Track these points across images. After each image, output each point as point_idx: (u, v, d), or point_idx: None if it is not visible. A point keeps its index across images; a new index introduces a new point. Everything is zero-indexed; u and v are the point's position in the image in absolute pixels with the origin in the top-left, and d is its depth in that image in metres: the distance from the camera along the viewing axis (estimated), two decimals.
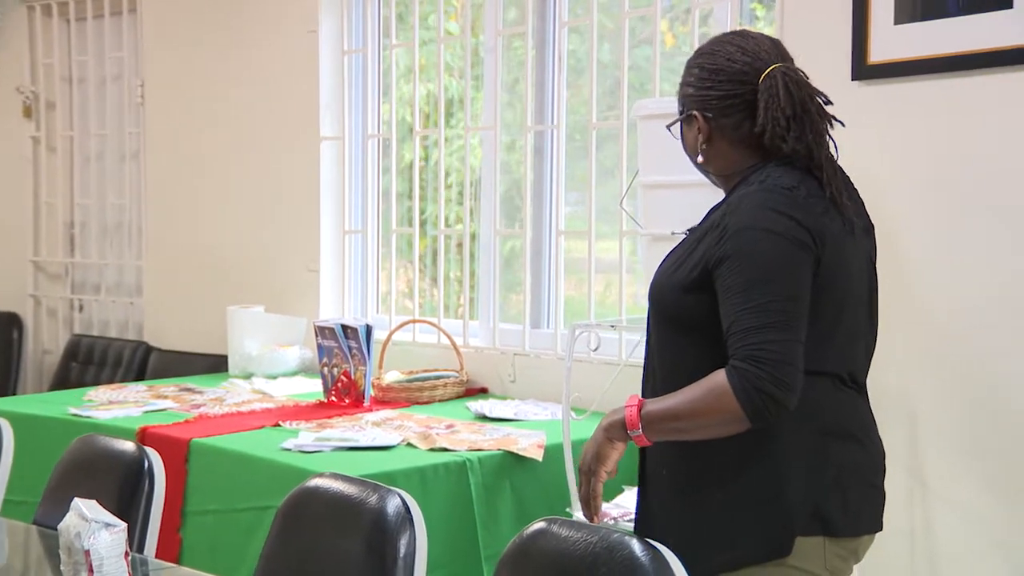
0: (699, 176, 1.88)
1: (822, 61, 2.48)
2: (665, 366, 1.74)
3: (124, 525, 1.69)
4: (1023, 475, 2.49)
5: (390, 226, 4.04)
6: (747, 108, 1.75)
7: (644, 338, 1.85)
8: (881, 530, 1.75)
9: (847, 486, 1.68)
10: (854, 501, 1.68)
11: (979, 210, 2.54)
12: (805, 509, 1.63)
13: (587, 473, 1.72)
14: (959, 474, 2.58)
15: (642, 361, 1.84)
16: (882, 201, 2.67)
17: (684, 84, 1.82)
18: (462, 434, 2.90)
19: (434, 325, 3.69)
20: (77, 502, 1.69)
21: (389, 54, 4.01)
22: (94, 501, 1.72)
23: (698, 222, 1.81)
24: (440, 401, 3.40)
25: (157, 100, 4.71)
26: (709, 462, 1.66)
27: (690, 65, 1.82)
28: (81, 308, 5.12)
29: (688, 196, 2.24)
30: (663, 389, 1.70)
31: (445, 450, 2.72)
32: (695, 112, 1.79)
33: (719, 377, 1.59)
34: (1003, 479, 2.52)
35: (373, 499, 1.74)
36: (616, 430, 1.69)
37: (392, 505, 1.70)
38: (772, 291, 1.60)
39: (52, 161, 5.15)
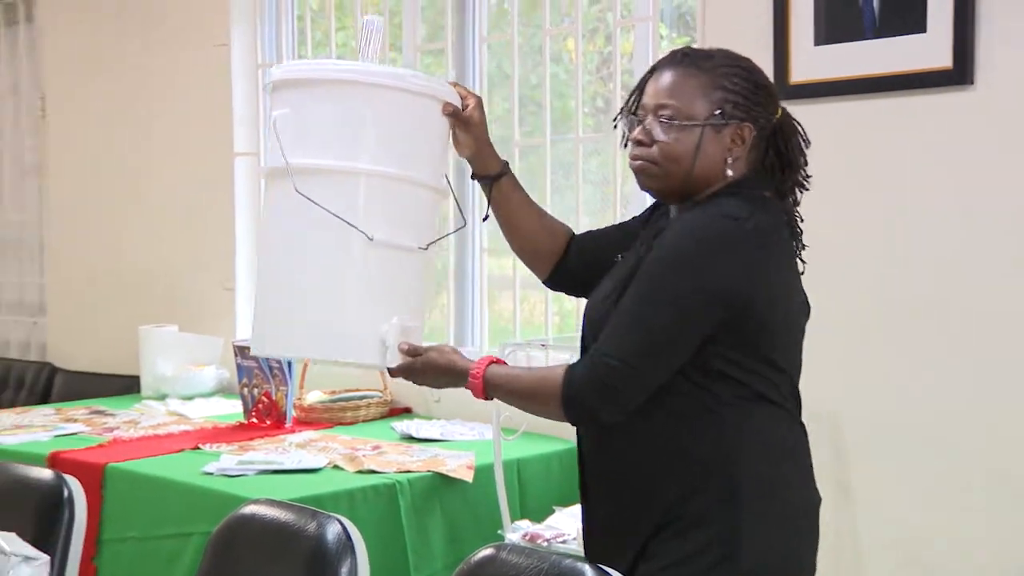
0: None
1: None
2: None
3: (46, 558, 1.66)
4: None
5: None
6: (771, 134, 1.72)
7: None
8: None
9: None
10: None
11: (895, 226, 2.62)
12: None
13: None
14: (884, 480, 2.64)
15: None
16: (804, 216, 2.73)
17: (726, 90, 1.67)
18: (390, 455, 2.86)
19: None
20: None
21: None
22: (13, 534, 1.66)
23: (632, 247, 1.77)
24: (364, 421, 3.35)
25: (59, 114, 4.57)
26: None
27: (730, 74, 1.68)
28: None
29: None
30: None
31: (373, 472, 2.68)
32: (747, 122, 1.67)
33: (553, 373, 1.64)
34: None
35: (311, 526, 1.69)
36: (454, 378, 1.74)
37: (332, 532, 1.66)
38: (649, 319, 1.59)
39: None
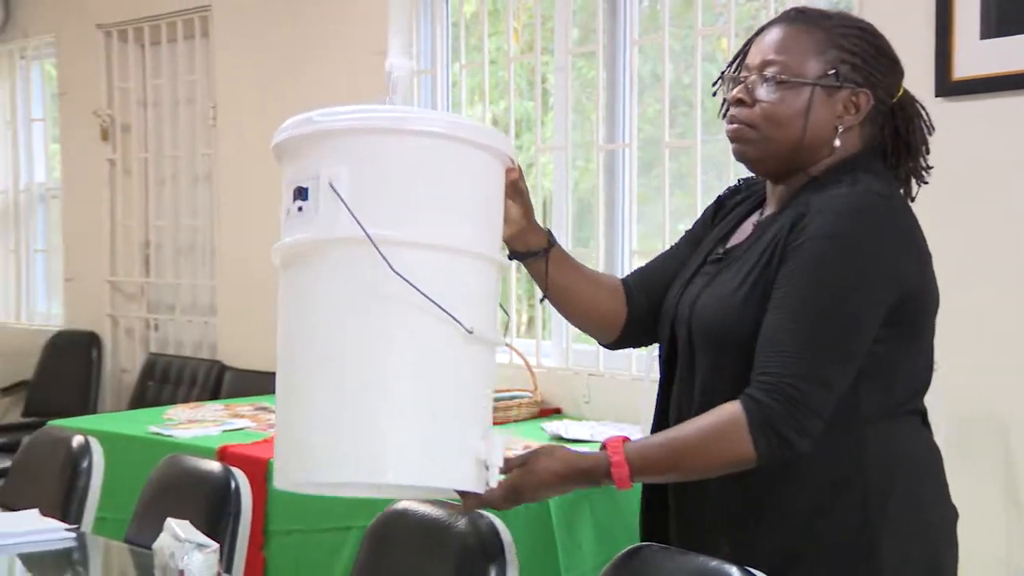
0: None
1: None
2: (728, 399, 1.46)
3: (216, 545, 1.71)
4: None
5: None
6: (889, 111, 1.54)
7: (670, 366, 1.61)
8: None
9: None
10: None
11: None
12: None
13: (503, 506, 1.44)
14: None
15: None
16: (967, 220, 2.63)
17: (843, 50, 1.50)
18: None
19: (508, 345, 3.69)
20: (170, 522, 1.72)
21: (458, 74, 4.04)
22: (187, 521, 1.74)
23: (743, 238, 1.58)
24: (514, 421, 3.39)
25: (228, 122, 4.79)
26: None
27: (848, 34, 1.51)
28: (156, 327, 5.21)
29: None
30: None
31: None
32: (865, 88, 1.49)
33: (729, 415, 1.39)
34: None
35: (462, 523, 1.74)
36: (585, 481, 1.44)
37: (482, 529, 1.70)
38: (829, 318, 1.40)
39: (128, 183, 5.25)
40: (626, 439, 1.46)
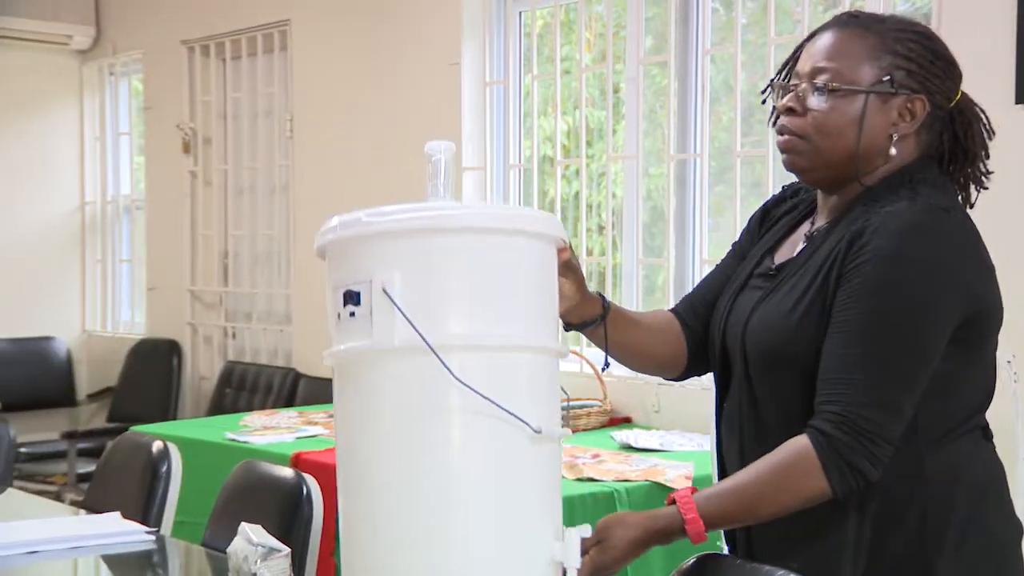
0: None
1: (983, 84, 2.41)
2: (782, 417, 1.46)
3: (288, 550, 1.74)
4: None
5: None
6: (947, 116, 1.48)
7: (723, 378, 1.58)
8: None
9: None
10: None
11: None
12: None
13: None
14: None
15: None
16: None
17: (897, 55, 1.44)
18: (608, 464, 2.89)
19: (577, 354, 3.70)
20: (244, 527, 1.76)
21: (530, 85, 4.06)
22: (259, 526, 1.78)
23: (795, 251, 1.53)
24: (584, 430, 3.40)
25: (305, 133, 4.88)
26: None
27: (902, 38, 1.46)
28: (234, 335, 5.32)
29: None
30: (773, 438, 1.45)
31: (592, 480, 2.72)
32: (921, 94, 1.44)
33: (799, 452, 1.36)
34: None
35: None
36: (659, 540, 1.40)
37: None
38: (897, 342, 1.36)
39: (208, 194, 5.37)
40: (694, 490, 1.43)
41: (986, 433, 1.52)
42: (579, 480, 2.73)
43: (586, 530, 1.35)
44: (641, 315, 1.69)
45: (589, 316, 1.57)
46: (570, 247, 1.47)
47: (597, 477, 2.74)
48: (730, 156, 3.42)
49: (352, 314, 1.32)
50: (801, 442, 1.37)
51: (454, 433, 1.29)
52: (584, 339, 3.97)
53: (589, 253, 3.85)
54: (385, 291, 1.29)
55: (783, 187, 1.70)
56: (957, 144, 1.51)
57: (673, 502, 1.41)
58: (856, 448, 1.35)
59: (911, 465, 1.42)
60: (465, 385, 1.26)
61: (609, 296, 3.94)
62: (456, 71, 4.19)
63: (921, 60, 1.46)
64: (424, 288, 1.30)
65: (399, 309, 1.28)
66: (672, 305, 1.73)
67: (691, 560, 1.49)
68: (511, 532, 1.31)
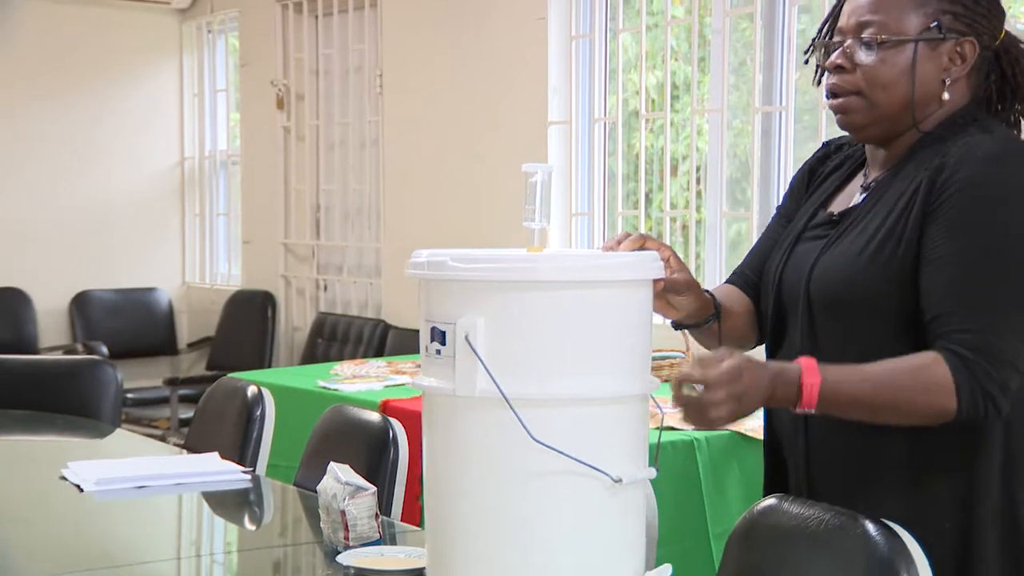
0: None
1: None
2: (836, 358, 1.41)
3: (375, 489, 1.80)
4: None
5: (616, 208, 4.10)
6: (993, 56, 1.46)
7: (775, 337, 1.56)
8: None
9: None
10: None
11: None
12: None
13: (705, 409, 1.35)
14: None
15: None
16: None
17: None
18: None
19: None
20: (333, 466, 1.82)
21: (616, 39, 4.06)
22: (347, 466, 1.84)
23: (853, 202, 1.51)
24: (666, 381, 3.42)
25: (394, 89, 4.94)
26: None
27: None
28: (326, 288, 5.45)
29: None
30: None
31: (673, 429, 2.76)
32: (970, 36, 1.43)
33: (933, 364, 1.32)
34: None
35: None
36: (782, 398, 1.35)
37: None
38: (1015, 266, 1.33)
39: (300, 149, 5.49)
40: (821, 375, 1.36)
41: None
42: (658, 429, 2.77)
43: (665, 571, 1.37)
44: (725, 298, 1.64)
45: (702, 317, 1.57)
46: (674, 258, 1.46)
47: (677, 426, 2.77)
48: (816, 110, 3.39)
49: (438, 352, 1.34)
50: (934, 357, 1.33)
51: (532, 484, 1.31)
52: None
53: (673, 207, 3.86)
54: (467, 340, 1.30)
55: (824, 143, 1.69)
56: (1005, 83, 1.49)
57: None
58: (988, 372, 1.32)
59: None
60: (541, 444, 1.27)
61: (693, 250, 3.95)
62: (543, 25, 4.21)
63: (966, 1, 1.44)
64: (507, 339, 1.30)
65: (481, 362, 1.29)
66: None
67: (762, 502, 1.52)
68: None
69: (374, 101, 5.07)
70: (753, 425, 2.79)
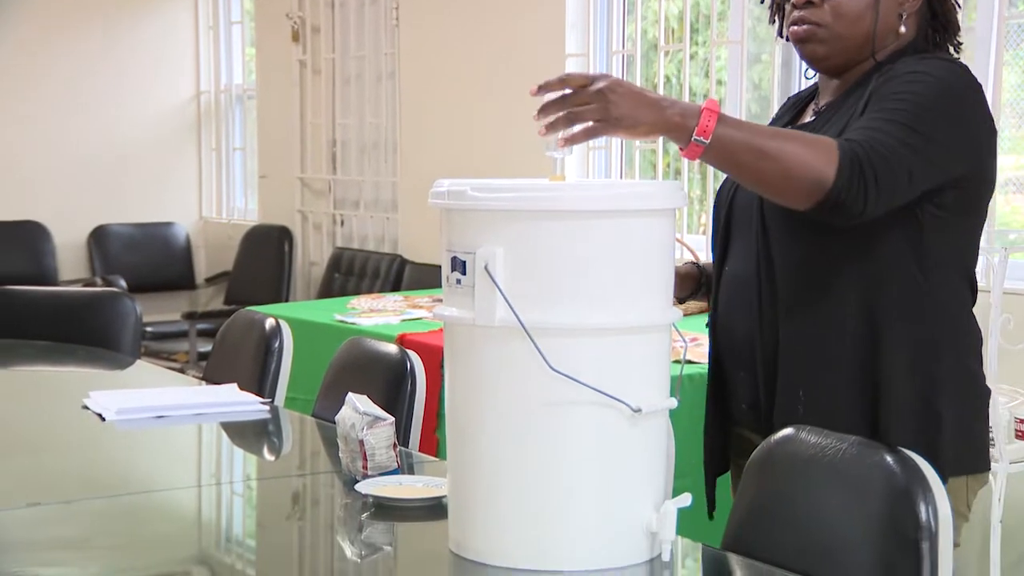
0: None
1: None
2: (790, 269, 1.55)
3: (392, 419, 1.81)
4: None
5: (633, 142, 4.06)
6: None
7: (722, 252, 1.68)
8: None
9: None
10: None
11: None
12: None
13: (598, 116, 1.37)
14: None
15: None
16: None
17: None
18: (705, 347, 2.93)
19: (679, 241, 3.69)
20: (351, 397, 1.83)
21: None
22: (366, 396, 1.86)
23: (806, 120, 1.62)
24: (686, 315, 3.41)
25: (410, 22, 4.89)
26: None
27: None
28: (342, 222, 5.45)
29: None
30: (788, 296, 1.56)
31: (690, 363, 2.76)
32: None
33: (828, 140, 1.41)
34: None
35: None
36: (677, 129, 1.38)
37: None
38: (922, 125, 1.43)
39: (316, 82, 5.46)
40: (722, 114, 1.43)
41: (973, 294, 1.59)
42: (676, 362, 2.77)
43: (685, 499, 1.39)
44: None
45: (690, 289, 1.75)
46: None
47: (695, 360, 2.78)
48: None
49: (459, 281, 1.35)
50: (828, 138, 1.43)
51: (552, 414, 1.32)
52: (684, 228, 3.98)
53: None
54: (487, 269, 1.30)
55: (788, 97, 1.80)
56: (936, 20, 1.60)
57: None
58: (874, 163, 1.40)
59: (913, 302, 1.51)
60: (559, 373, 1.29)
61: (712, 185, 3.92)
62: None
63: None
64: (528, 269, 1.30)
65: (500, 291, 1.29)
66: None
67: (779, 432, 1.53)
68: (610, 505, 1.36)
69: (390, 33, 5.02)
70: None
